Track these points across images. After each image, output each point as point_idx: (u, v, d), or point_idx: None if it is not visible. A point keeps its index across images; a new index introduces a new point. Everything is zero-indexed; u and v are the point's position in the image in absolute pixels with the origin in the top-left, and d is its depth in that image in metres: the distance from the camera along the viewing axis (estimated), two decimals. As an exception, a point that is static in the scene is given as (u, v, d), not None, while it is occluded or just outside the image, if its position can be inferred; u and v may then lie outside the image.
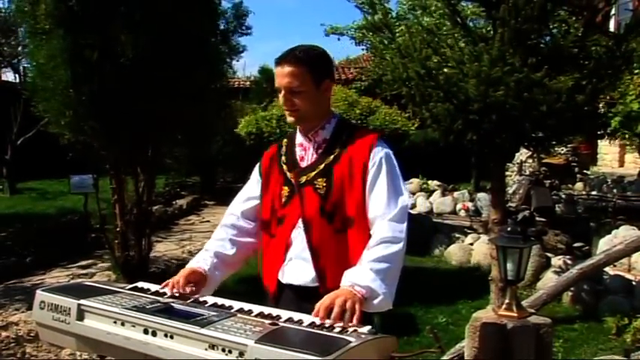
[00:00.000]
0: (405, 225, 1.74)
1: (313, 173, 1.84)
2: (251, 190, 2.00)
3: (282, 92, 1.84)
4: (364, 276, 1.62)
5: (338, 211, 1.79)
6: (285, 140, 2.02)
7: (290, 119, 1.88)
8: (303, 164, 1.89)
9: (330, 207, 1.79)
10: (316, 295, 1.63)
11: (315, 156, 1.88)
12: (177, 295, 1.70)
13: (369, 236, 1.74)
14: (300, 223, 1.82)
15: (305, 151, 1.91)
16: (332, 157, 1.84)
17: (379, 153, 1.81)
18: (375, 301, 1.61)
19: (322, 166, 1.84)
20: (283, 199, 1.88)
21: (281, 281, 1.85)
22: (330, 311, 1.51)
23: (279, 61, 1.83)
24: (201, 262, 1.87)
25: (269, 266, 1.90)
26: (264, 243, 1.94)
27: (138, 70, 4.74)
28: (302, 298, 1.76)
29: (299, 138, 1.94)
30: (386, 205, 1.75)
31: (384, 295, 1.62)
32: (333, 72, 1.96)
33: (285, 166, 1.92)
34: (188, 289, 1.74)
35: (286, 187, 1.88)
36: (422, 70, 3.99)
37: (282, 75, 1.81)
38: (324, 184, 1.81)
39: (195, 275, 1.80)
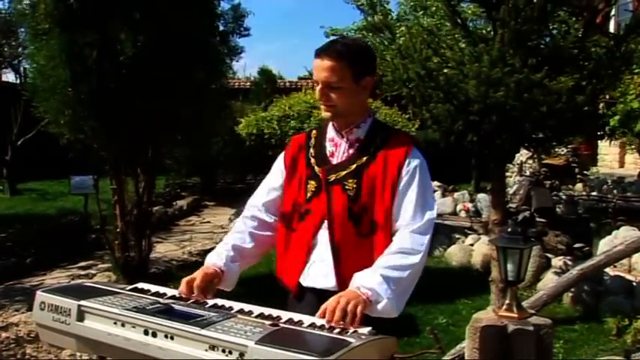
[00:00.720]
0: (427, 238, 1.70)
1: (344, 172, 1.78)
2: (274, 181, 1.92)
3: (320, 86, 1.76)
4: (371, 279, 1.59)
5: (365, 215, 1.74)
6: (314, 132, 1.94)
7: (325, 114, 1.82)
8: (333, 161, 1.83)
9: (357, 209, 1.74)
10: None
11: (346, 154, 1.82)
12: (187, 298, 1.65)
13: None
14: (325, 224, 1.77)
15: (336, 148, 1.84)
16: (365, 158, 1.78)
17: (414, 161, 1.76)
18: (379, 306, 1.57)
19: (354, 167, 1.78)
20: (308, 194, 1.81)
21: (302, 284, 1.81)
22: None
23: (319, 53, 1.74)
24: (216, 258, 1.80)
25: (290, 265, 1.84)
26: (283, 236, 1.87)
27: (137, 69, 4.75)
28: (322, 302, 1.69)
29: (330, 132, 1.87)
30: (412, 216, 1.71)
31: (388, 300, 1.57)
32: (374, 68, 1.86)
33: (313, 160, 1.85)
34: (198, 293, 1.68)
35: (312, 182, 1.82)
36: (422, 70, 3.99)
37: (321, 68, 1.73)
38: (354, 186, 1.75)
39: (210, 276, 1.73)
